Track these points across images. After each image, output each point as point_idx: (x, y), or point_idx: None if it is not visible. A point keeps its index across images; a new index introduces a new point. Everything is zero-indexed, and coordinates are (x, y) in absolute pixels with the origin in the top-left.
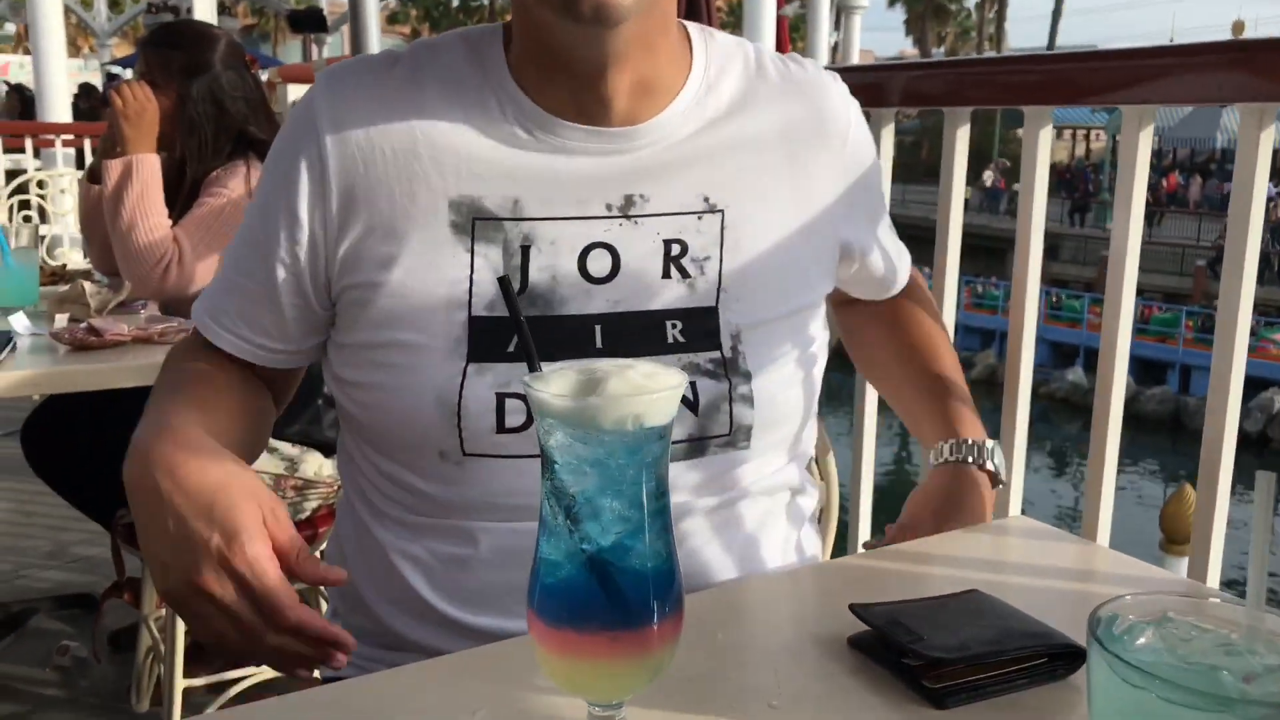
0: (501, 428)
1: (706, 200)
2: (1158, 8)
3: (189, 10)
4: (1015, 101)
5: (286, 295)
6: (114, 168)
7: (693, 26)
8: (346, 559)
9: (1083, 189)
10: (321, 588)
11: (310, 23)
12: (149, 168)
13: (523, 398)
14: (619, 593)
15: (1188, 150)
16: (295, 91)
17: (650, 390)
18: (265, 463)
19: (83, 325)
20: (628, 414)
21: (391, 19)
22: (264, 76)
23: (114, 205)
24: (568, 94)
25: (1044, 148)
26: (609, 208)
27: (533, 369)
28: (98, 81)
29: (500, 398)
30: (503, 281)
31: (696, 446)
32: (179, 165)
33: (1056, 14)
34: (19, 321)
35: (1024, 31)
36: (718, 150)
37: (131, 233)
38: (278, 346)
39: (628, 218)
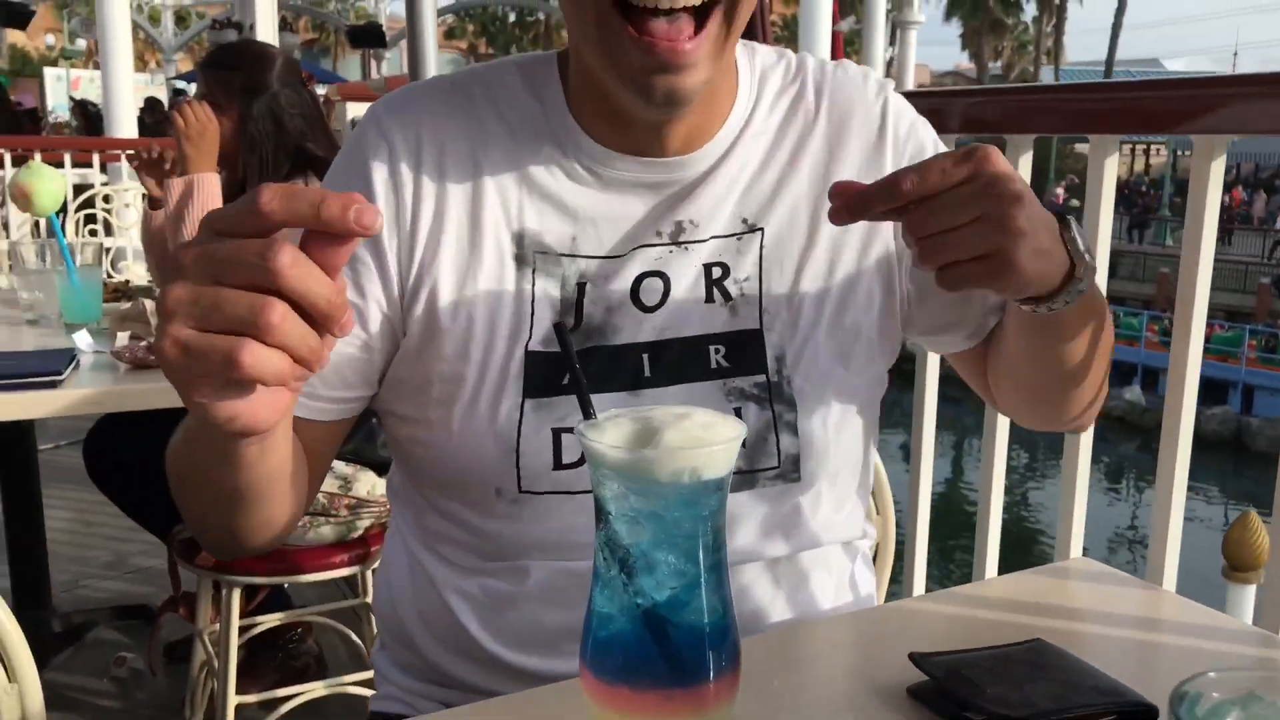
0: (559, 464)
1: (745, 221)
2: (1220, 21)
3: (251, 27)
4: (1081, 129)
5: (358, 337)
6: (175, 187)
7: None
8: (393, 591)
9: (1140, 205)
10: (372, 617)
11: (370, 38)
12: (210, 186)
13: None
14: (674, 650)
15: (1252, 165)
16: (354, 109)
17: (708, 443)
18: None
19: (143, 344)
20: (685, 467)
21: (448, 34)
22: (322, 92)
23: (175, 224)
24: (625, 132)
25: (1110, 176)
26: (659, 235)
27: (587, 416)
28: (163, 96)
29: (556, 434)
30: (559, 328)
31: (746, 479)
32: (240, 184)
33: (1116, 28)
34: (82, 339)
35: (1082, 44)
36: (755, 168)
37: None
38: (353, 395)
39: (677, 244)
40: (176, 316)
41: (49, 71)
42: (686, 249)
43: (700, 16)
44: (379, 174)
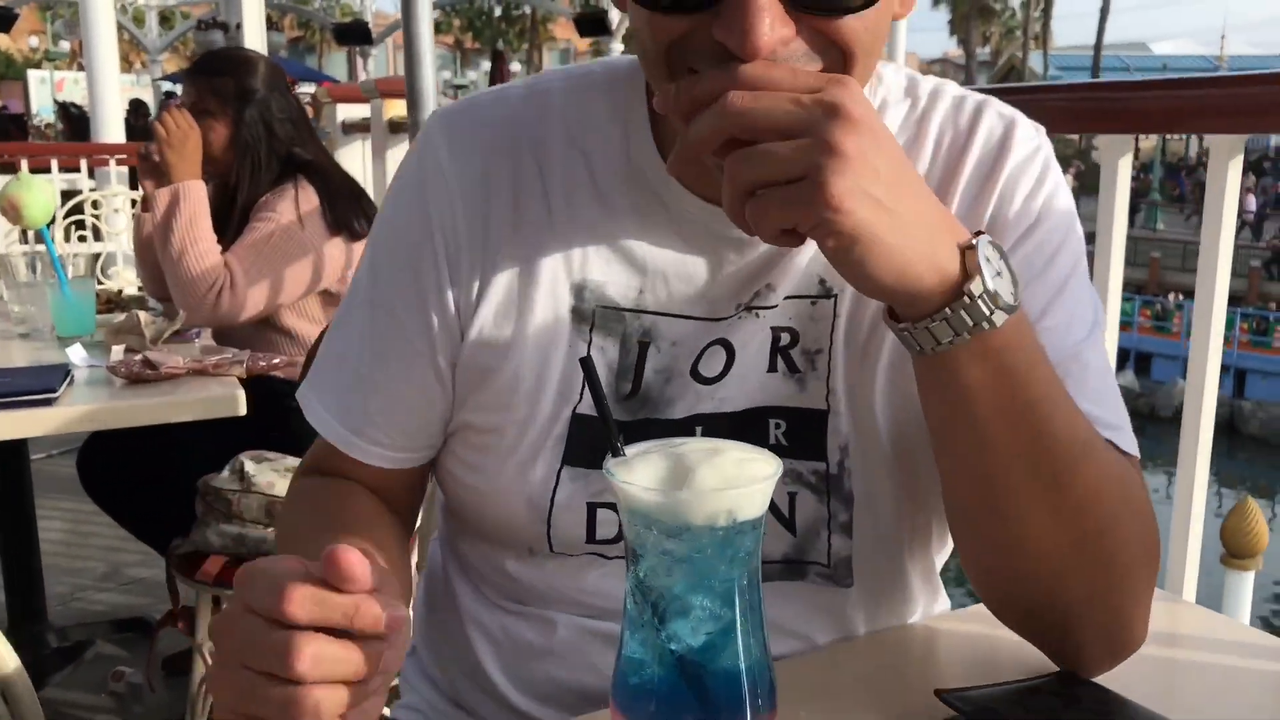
0: (592, 538)
1: (822, 282)
2: (1207, 3)
3: (238, 26)
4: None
5: (426, 384)
6: (161, 196)
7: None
8: (430, 599)
9: (1131, 189)
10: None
11: (356, 35)
12: (195, 195)
13: (614, 508)
14: (710, 696)
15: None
16: (345, 110)
17: (743, 482)
18: None
19: (138, 358)
20: (720, 509)
21: (435, 29)
22: (311, 91)
23: (163, 233)
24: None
25: (1124, 177)
26: (737, 307)
27: (615, 453)
28: (148, 97)
29: (592, 508)
30: (585, 363)
31: (794, 569)
32: (230, 192)
33: (1104, 12)
34: (76, 353)
35: (1070, 29)
36: None
37: (182, 260)
38: (422, 444)
39: (750, 309)
40: (224, 696)
41: (33, 74)
42: (758, 315)
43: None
44: (436, 211)
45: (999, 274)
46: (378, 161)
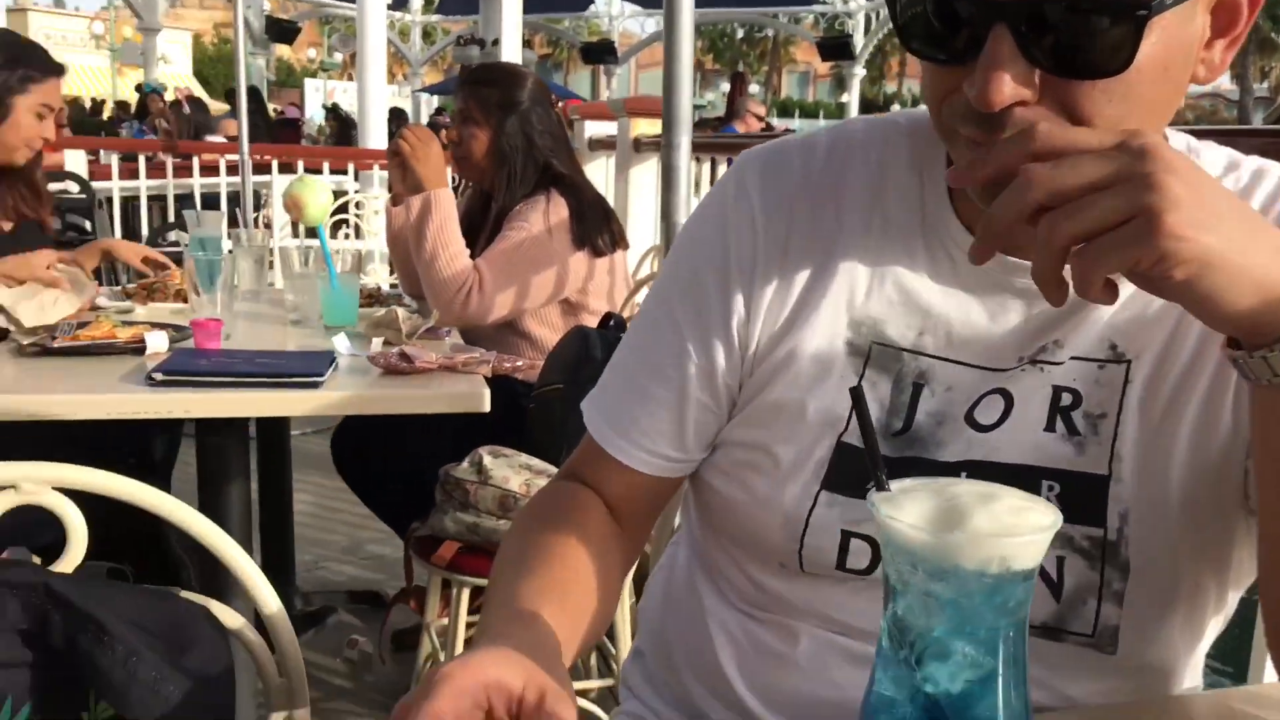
0: (842, 565)
1: (1114, 348)
2: None
3: (494, 42)
4: None
5: (700, 398)
6: (414, 204)
7: (1176, 137)
8: (664, 601)
9: None
10: (618, 627)
11: (602, 54)
12: (445, 202)
13: (869, 539)
14: None
15: None
16: (592, 127)
17: (1021, 531)
18: None
19: (395, 351)
20: (993, 555)
21: None
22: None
23: (417, 238)
24: None
25: None
26: (1020, 360)
27: (880, 487)
28: (409, 107)
29: (846, 536)
30: (855, 393)
31: (1051, 634)
32: (486, 196)
33: None
34: (341, 342)
35: None
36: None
37: (434, 263)
38: (682, 457)
39: (1034, 363)
40: None
41: (309, 83)
42: (1042, 369)
43: None
44: (734, 239)
45: None
46: (620, 177)
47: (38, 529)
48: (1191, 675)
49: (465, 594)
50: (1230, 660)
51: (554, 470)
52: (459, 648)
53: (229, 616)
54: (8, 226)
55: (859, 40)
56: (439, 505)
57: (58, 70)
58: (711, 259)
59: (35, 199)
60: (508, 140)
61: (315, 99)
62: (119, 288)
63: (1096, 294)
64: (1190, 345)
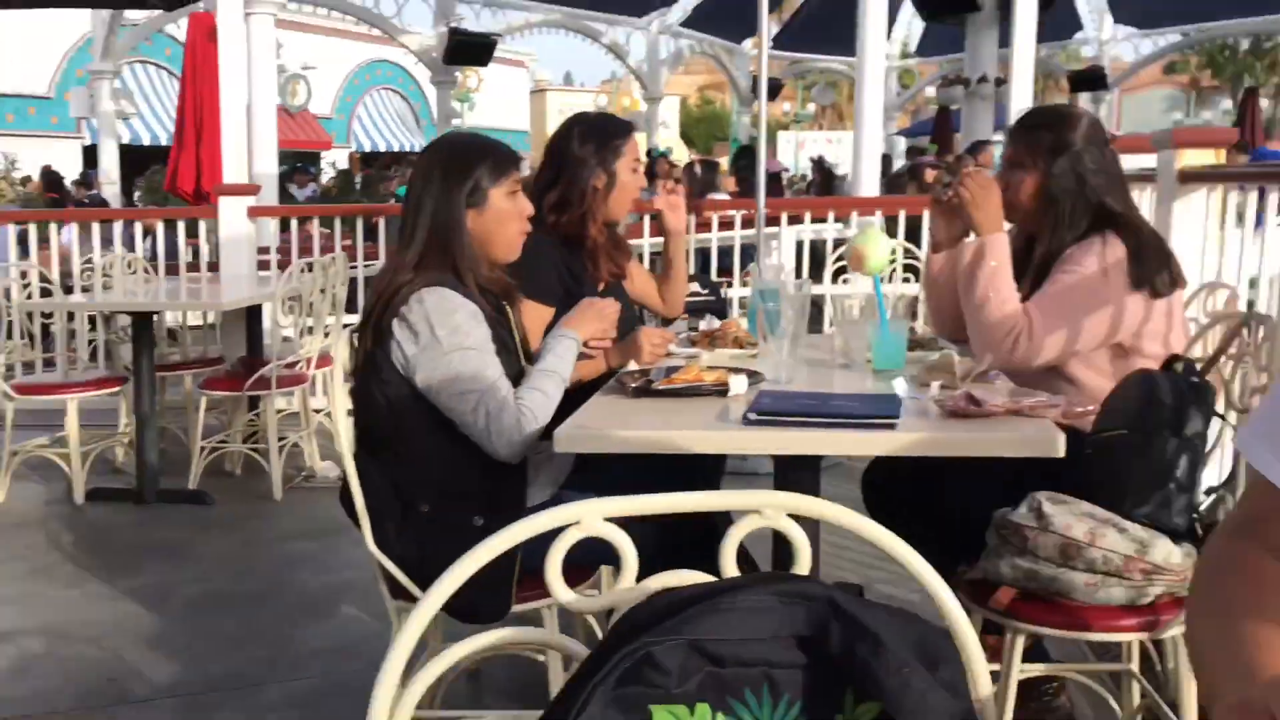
0: None
1: None
2: None
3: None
4: None
5: None
6: (967, 249)
7: None
8: None
9: None
10: (1134, 686)
11: (1092, 81)
12: (1000, 248)
13: None
14: None
15: None
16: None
17: None
18: (1115, 542)
19: (961, 394)
20: None
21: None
22: None
23: (968, 282)
24: None
25: None
26: None
27: None
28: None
29: None
30: None
31: None
32: (1029, 239)
33: None
34: (900, 385)
35: None
36: None
37: (984, 307)
38: None
39: None
40: None
41: (781, 135)
42: None
43: None
44: None
45: None
46: (1162, 211)
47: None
48: None
49: (1019, 641)
50: None
51: (1120, 521)
52: (1009, 695)
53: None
54: (602, 286)
55: None
56: (993, 549)
57: (631, 127)
58: None
59: (622, 255)
60: (1056, 182)
61: (788, 149)
62: (684, 335)
63: None
64: None
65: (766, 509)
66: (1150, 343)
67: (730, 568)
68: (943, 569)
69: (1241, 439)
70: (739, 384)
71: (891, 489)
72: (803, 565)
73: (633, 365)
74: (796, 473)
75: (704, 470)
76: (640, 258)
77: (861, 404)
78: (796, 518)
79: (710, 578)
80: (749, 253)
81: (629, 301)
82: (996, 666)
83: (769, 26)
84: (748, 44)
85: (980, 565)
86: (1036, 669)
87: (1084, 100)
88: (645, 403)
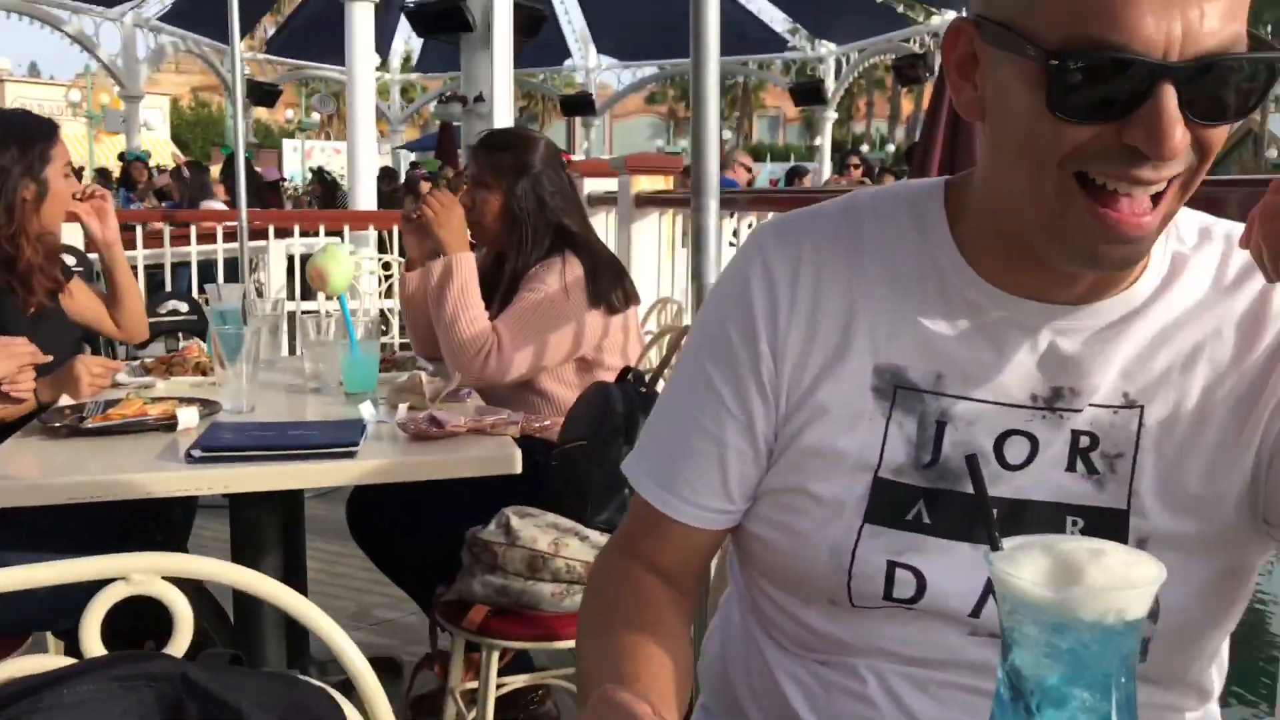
0: (889, 595)
1: (1126, 395)
2: None
3: (478, 99)
4: None
5: (739, 448)
6: (435, 268)
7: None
8: (725, 657)
9: None
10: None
11: (581, 107)
12: (466, 265)
13: (913, 570)
14: None
15: None
16: (590, 185)
17: (1135, 584)
18: (578, 550)
19: (423, 415)
20: (1109, 608)
21: (650, 99)
22: None
23: (438, 301)
24: (1022, 277)
25: None
26: (1034, 398)
27: (995, 548)
28: (390, 162)
29: (891, 566)
30: (971, 460)
31: None
32: (499, 258)
33: None
34: (367, 410)
35: None
36: (1148, 343)
37: (455, 325)
38: (728, 508)
39: (1053, 410)
40: None
41: (287, 143)
42: (1061, 417)
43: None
44: (759, 299)
45: None
46: (622, 231)
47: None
48: (1217, 673)
49: (494, 657)
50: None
51: (582, 529)
52: (489, 711)
53: (343, 701)
54: (33, 310)
55: (830, 84)
56: (466, 568)
57: (56, 127)
58: (739, 319)
59: (56, 269)
60: (519, 203)
61: (294, 158)
62: (138, 362)
63: None
64: (1196, 392)
65: (135, 574)
66: (610, 355)
67: (94, 647)
68: (426, 591)
69: (625, 464)
70: (189, 417)
71: (375, 513)
72: (183, 634)
73: (67, 400)
74: (254, 510)
75: (159, 515)
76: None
77: (321, 432)
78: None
79: (72, 660)
80: (232, 267)
81: (68, 326)
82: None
83: (264, 28)
84: (239, 46)
85: (455, 586)
86: (517, 680)
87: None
88: (78, 444)
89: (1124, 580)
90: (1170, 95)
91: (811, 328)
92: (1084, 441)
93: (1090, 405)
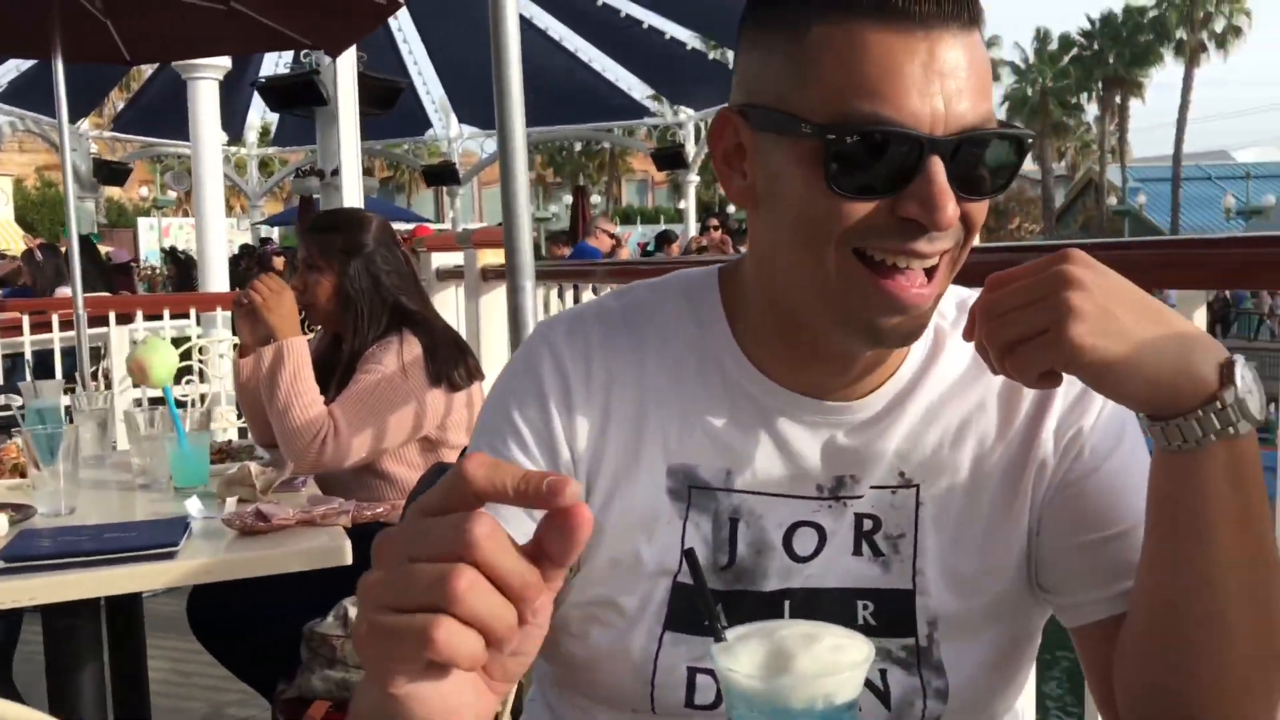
0: (690, 703)
1: (902, 475)
2: None
3: (334, 172)
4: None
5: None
6: (266, 354)
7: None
8: None
9: (1221, 300)
10: None
11: (444, 176)
12: (298, 350)
13: (712, 674)
14: None
15: None
16: (439, 259)
17: (840, 669)
18: None
19: (251, 510)
20: (817, 694)
21: None
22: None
23: (270, 388)
24: (799, 367)
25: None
26: (820, 489)
27: (717, 638)
28: (250, 238)
29: (692, 673)
30: (689, 554)
31: None
32: (336, 339)
33: (1181, 124)
34: (194, 505)
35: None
36: (918, 423)
37: (288, 412)
38: None
39: (837, 499)
40: (369, 601)
41: (142, 221)
42: (845, 504)
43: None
44: (551, 389)
45: (1250, 391)
46: (470, 306)
47: None
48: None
49: None
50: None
51: None
52: None
53: None
54: None
55: (690, 149)
56: (305, 664)
57: None
58: (532, 404)
59: None
60: (352, 283)
61: (150, 237)
62: None
63: (1034, 384)
64: (966, 466)
65: None
66: (455, 434)
67: None
68: (270, 688)
69: None
70: None
71: (216, 610)
72: None
73: None
74: (69, 620)
75: None
76: None
77: (140, 533)
78: None
79: None
80: (95, 355)
81: None
82: None
83: (112, 104)
84: (84, 124)
85: (296, 682)
86: None
87: (444, 192)
88: None
89: (832, 666)
90: (940, 167)
91: (604, 421)
92: (867, 524)
93: (871, 488)
